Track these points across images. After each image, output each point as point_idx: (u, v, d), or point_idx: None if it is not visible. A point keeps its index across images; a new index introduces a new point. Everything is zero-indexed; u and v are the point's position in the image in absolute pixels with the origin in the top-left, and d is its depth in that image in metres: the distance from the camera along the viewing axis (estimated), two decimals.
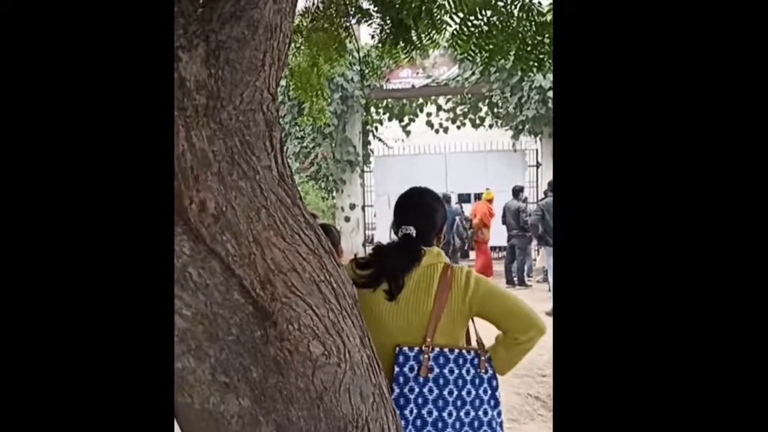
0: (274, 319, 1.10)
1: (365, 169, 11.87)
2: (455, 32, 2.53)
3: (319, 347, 1.12)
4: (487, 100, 11.65)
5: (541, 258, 7.66)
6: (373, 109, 12.53)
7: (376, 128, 12.69)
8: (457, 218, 8.51)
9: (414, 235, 1.50)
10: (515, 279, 8.25)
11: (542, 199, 7.17)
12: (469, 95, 11.83)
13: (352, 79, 10.29)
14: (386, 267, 1.46)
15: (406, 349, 1.43)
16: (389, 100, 12.63)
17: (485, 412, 1.45)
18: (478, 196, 10.62)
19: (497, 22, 2.40)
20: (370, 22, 3.12)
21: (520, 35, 2.38)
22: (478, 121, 12.81)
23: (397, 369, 1.41)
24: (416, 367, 1.42)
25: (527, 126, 10.14)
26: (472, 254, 9.82)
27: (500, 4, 2.39)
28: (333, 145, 10.68)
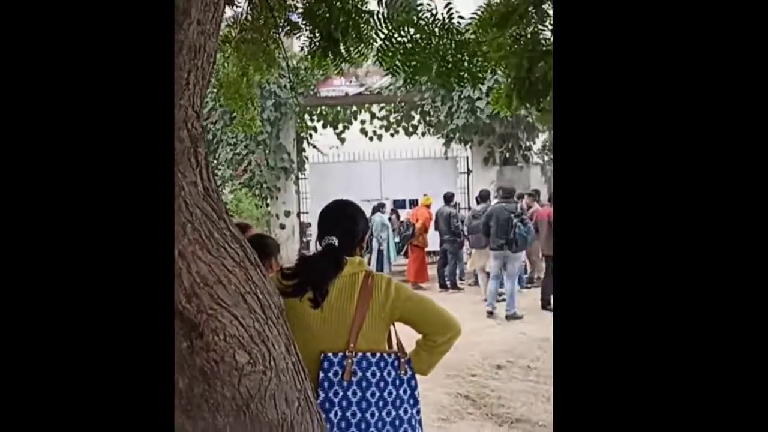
0: (200, 330, 1.14)
1: (300, 175, 11.81)
2: (380, 48, 2.63)
3: (245, 356, 1.16)
4: (419, 109, 11.90)
5: (472, 261, 7.91)
6: (307, 117, 12.50)
7: (311, 135, 12.66)
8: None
9: (336, 244, 1.57)
10: (448, 283, 8.47)
11: (482, 205, 7.40)
12: (402, 104, 12.05)
13: (285, 87, 10.23)
14: (310, 276, 1.53)
15: (330, 355, 1.50)
16: (323, 107, 12.65)
17: (405, 411, 1.55)
18: (412, 202, 10.83)
19: (420, 40, 2.52)
20: (299, 34, 3.17)
21: (440, 53, 2.51)
22: (411, 129, 13.06)
23: (322, 374, 1.48)
24: (340, 372, 1.49)
25: (457, 134, 10.44)
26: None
27: (422, 22, 2.50)
28: (267, 152, 10.55)
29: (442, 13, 2.52)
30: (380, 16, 2.52)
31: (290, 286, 1.51)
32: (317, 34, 3.03)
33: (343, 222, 1.64)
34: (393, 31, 2.50)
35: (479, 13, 2.58)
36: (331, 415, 1.47)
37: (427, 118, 12.07)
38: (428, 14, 2.49)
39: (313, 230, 11.84)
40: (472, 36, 2.47)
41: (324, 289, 1.51)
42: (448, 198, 8.55)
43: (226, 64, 3.66)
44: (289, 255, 10.22)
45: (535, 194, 8.42)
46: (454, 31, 2.49)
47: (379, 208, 9.02)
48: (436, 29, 2.49)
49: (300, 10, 2.95)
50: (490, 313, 6.69)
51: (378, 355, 1.54)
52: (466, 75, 2.50)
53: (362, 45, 2.96)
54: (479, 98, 9.68)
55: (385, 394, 1.52)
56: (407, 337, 1.64)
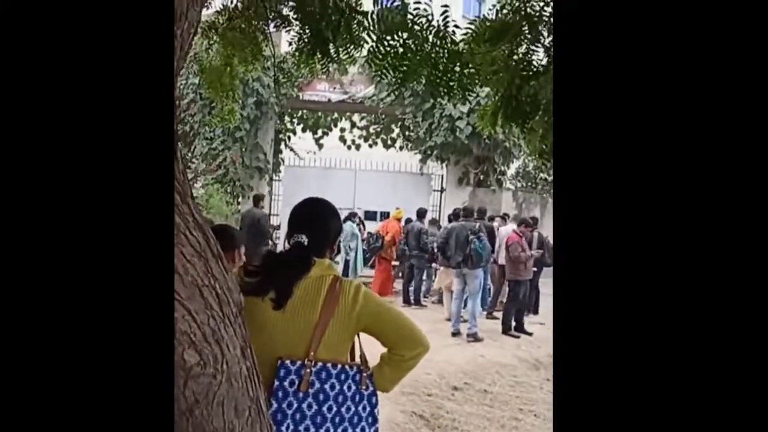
0: None
1: (274, 177, 11.65)
2: (371, 50, 2.56)
3: (195, 356, 1.05)
4: (399, 123, 11.91)
5: (439, 280, 7.86)
6: (287, 119, 12.38)
7: (289, 138, 12.53)
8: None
9: (306, 243, 1.47)
10: (412, 299, 8.40)
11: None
12: (383, 116, 12.05)
13: (268, 86, 10.11)
14: (275, 275, 1.42)
15: (288, 362, 1.38)
16: (304, 111, 12.55)
17: (362, 430, 1.43)
18: (383, 215, 10.76)
19: (412, 45, 2.46)
20: (289, 29, 3.08)
21: (432, 60, 2.46)
22: (389, 142, 13.05)
23: (277, 383, 1.36)
24: (297, 382, 1.38)
25: (435, 152, 10.47)
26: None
27: (416, 27, 2.45)
28: (243, 150, 10.38)
29: (438, 20, 2.47)
30: (374, 17, 2.44)
31: (252, 284, 1.41)
32: (307, 31, 2.95)
33: (316, 221, 1.54)
34: (385, 33, 2.43)
35: (474, 26, 2.54)
36: (283, 428, 1.35)
37: (407, 133, 12.08)
38: (423, 20, 2.43)
39: (282, 233, 11.69)
40: (466, 47, 2.41)
41: (288, 289, 1.40)
42: (421, 213, 8.52)
43: (210, 51, 3.54)
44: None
45: (505, 217, 8.46)
46: (449, 39, 2.44)
47: (350, 217, 8.93)
48: (430, 36, 2.44)
49: (292, 4, 2.86)
50: (455, 334, 6.63)
51: (339, 366, 1.42)
52: (455, 86, 2.45)
53: (352, 46, 2.89)
54: (460, 118, 9.74)
55: (343, 409, 1.41)
56: (372, 349, 1.54)
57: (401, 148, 12.75)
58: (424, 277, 8.69)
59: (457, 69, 2.45)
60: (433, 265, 8.39)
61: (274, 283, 1.41)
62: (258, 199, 8.46)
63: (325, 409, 1.39)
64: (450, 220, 7.79)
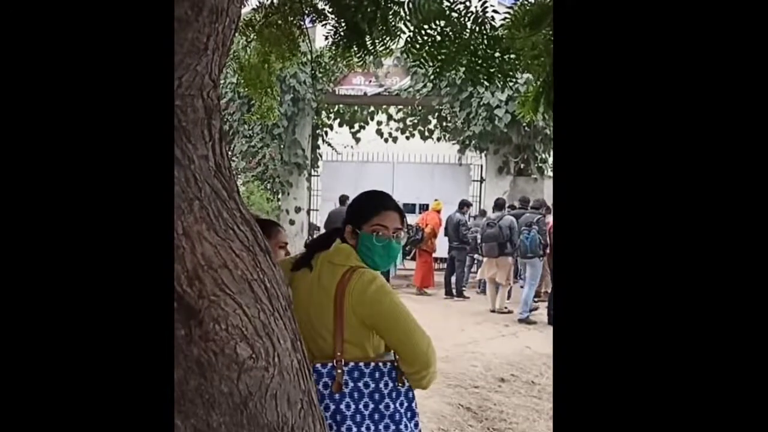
0: (200, 317, 1.04)
1: (313, 172, 11.75)
2: (409, 39, 2.53)
3: (247, 350, 1.06)
4: (436, 114, 11.80)
5: (482, 270, 7.77)
6: (323, 114, 12.45)
7: (326, 133, 12.60)
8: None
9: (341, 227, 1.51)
10: (453, 290, 8.35)
11: (497, 213, 7.39)
12: (420, 107, 11.96)
13: (304, 82, 10.19)
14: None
15: (318, 365, 1.37)
16: (340, 105, 12.60)
17: (405, 426, 1.41)
18: (422, 207, 10.72)
19: (450, 33, 2.42)
20: (324, 23, 3.09)
21: (471, 47, 2.41)
22: (426, 133, 12.95)
23: None
24: (330, 383, 1.36)
25: (473, 141, 10.33)
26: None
27: (454, 15, 2.40)
28: (281, 146, 10.51)
29: (476, 6, 2.41)
30: (410, 6, 2.41)
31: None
32: (343, 24, 2.94)
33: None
34: (423, 22, 2.40)
35: (513, 10, 2.48)
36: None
37: (444, 123, 11.97)
38: (461, 6, 2.38)
39: (323, 228, 11.81)
40: (505, 32, 2.35)
41: (310, 254, 1.45)
42: (462, 205, 8.45)
43: (248, 49, 3.58)
44: (295, 252, 10.14)
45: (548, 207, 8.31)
46: (488, 25, 2.38)
47: None
48: (468, 23, 2.39)
49: None
50: (522, 321, 6.77)
51: (372, 365, 1.39)
52: (496, 72, 2.39)
53: (388, 38, 2.87)
54: (498, 106, 9.57)
55: (381, 406, 1.38)
56: None
57: (439, 139, 12.65)
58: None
59: (497, 55, 2.39)
60: (475, 256, 8.33)
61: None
62: (344, 200, 8.57)
63: (361, 406, 1.37)
64: (493, 210, 7.71)
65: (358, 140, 13.06)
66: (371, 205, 1.49)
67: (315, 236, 1.70)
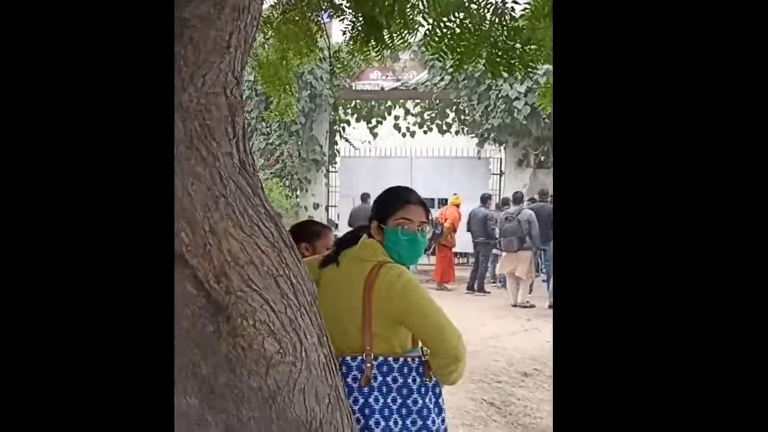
0: (227, 313, 1.04)
1: (330, 169, 11.78)
2: (427, 32, 2.52)
3: (275, 345, 1.07)
4: (454, 107, 11.74)
5: (501, 265, 7.72)
6: (341, 110, 12.46)
7: (344, 128, 12.62)
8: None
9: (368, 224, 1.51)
10: (475, 285, 8.30)
11: (515, 207, 7.31)
12: (437, 101, 11.91)
13: (321, 78, 10.20)
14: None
15: (348, 358, 1.37)
16: (357, 101, 12.59)
17: (433, 421, 1.40)
18: (441, 202, 10.67)
19: (469, 25, 2.40)
20: (342, 17, 3.08)
21: (491, 39, 2.38)
22: (444, 127, 12.89)
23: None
24: (359, 377, 1.36)
25: (492, 134, 10.25)
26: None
27: (473, 6, 2.38)
28: (299, 143, 10.55)
29: None
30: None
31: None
32: (360, 18, 2.93)
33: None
34: (441, 14, 2.38)
35: (533, 1, 2.44)
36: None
37: (462, 117, 11.90)
38: None
39: (340, 231, 11.84)
40: (526, 23, 2.32)
41: (337, 251, 1.46)
42: (485, 199, 8.35)
43: (265, 46, 3.59)
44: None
45: None
46: (508, 16, 2.36)
47: None
48: (488, 14, 2.36)
49: None
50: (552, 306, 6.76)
51: (401, 360, 1.39)
52: (517, 63, 2.36)
53: (406, 31, 2.85)
54: (517, 98, 9.48)
55: (409, 401, 1.38)
56: None
57: (457, 132, 12.58)
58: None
59: (518, 46, 2.37)
60: (494, 250, 8.26)
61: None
62: (365, 197, 8.59)
63: (390, 400, 1.37)
64: (511, 204, 7.63)
65: (375, 135, 13.05)
66: (395, 200, 1.49)
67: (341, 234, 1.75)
